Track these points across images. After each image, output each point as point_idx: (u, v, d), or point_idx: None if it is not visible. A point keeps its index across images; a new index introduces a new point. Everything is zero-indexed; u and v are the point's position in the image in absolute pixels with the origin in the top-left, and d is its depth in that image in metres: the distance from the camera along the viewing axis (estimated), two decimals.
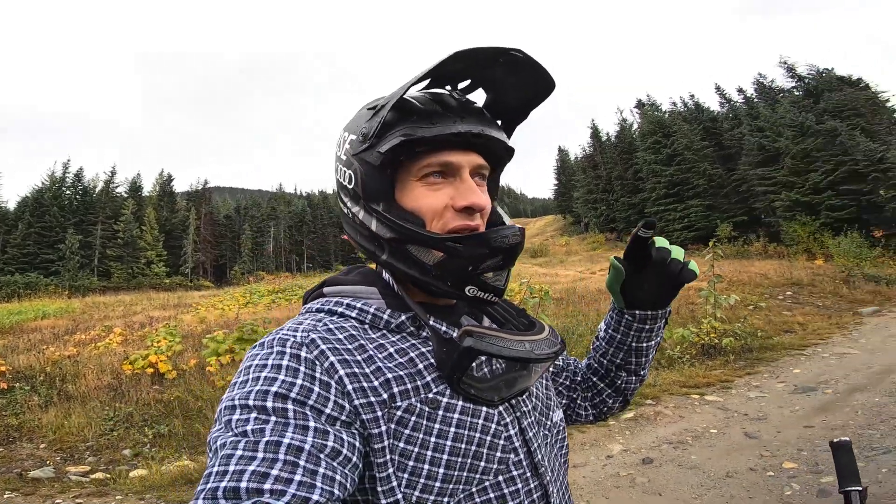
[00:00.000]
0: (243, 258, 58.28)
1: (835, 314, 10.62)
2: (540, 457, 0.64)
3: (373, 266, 0.73)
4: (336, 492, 0.46)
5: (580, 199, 47.43)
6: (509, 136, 0.69)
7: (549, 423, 0.70)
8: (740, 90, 39.45)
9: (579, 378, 0.92)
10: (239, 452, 0.45)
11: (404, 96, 0.62)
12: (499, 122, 0.68)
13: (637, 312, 0.79)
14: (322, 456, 0.47)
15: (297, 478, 0.44)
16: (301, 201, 77.88)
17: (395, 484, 0.53)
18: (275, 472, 0.44)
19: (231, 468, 0.44)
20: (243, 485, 0.43)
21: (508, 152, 0.67)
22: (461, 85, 0.66)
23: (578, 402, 0.90)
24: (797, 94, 34.14)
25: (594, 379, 0.90)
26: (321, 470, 0.46)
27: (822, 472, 3.25)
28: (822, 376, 5.77)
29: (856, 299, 12.38)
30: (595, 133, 47.05)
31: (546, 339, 0.60)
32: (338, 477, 0.47)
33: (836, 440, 1.06)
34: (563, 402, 0.89)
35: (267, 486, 0.43)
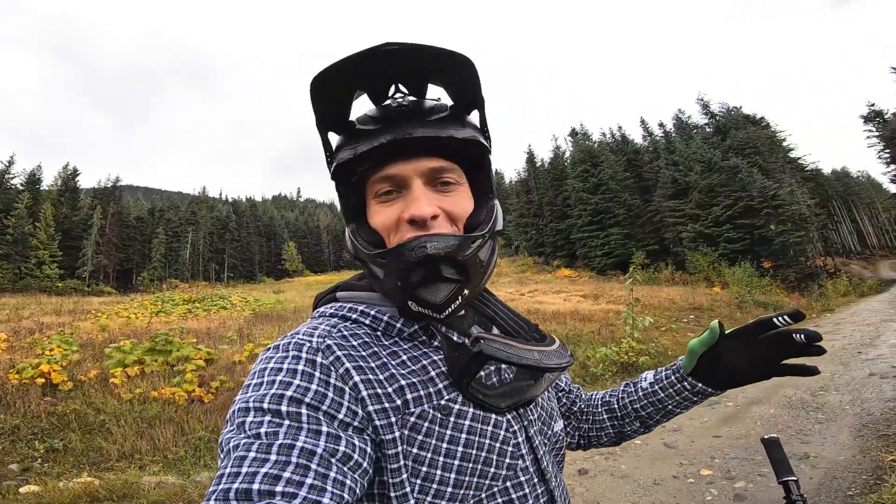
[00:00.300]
0: (153, 264, 53.69)
1: None
2: (546, 464, 0.66)
3: None
4: (346, 496, 0.46)
5: (512, 223, 49.14)
6: (483, 127, 0.66)
7: (550, 432, 0.71)
8: (661, 125, 43.53)
9: (576, 408, 0.92)
10: (252, 454, 0.45)
11: (352, 119, 0.64)
12: (473, 116, 0.66)
13: (699, 386, 0.78)
14: (333, 460, 0.47)
15: (309, 481, 0.44)
16: (226, 207, 73.64)
17: (408, 489, 0.54)
18: (286, 474, 0.44)
19: (244, 470, 0.44)
20: (255, 486, 0.43)
21: (475, 146, 0.63)
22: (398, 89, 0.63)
23: (567, 429, 0.90)
24: (708, 130, 38.17)
25: (603, 416, 0.89)
26: (332, 474, 0.46)
27: (735, 477, 3.54)
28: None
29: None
30: (531, 158, 49.31)
31: (556, 352, 0.62)
32: (348, 481, 0.47)
33: (766, 437, 1.17)
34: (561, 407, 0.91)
35: (279, 488, 0.43)
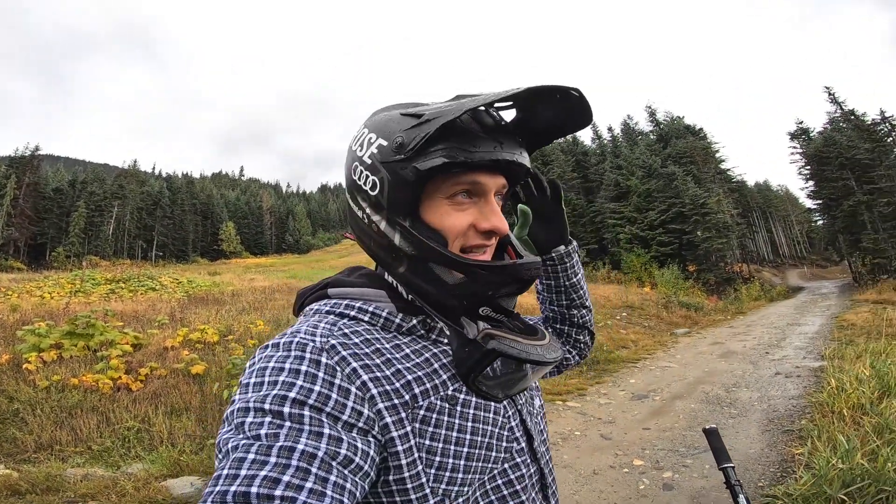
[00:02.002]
0: (71, 239, 49.21)
1: (657, 333, 12.61)
2: (537, 443, 0.71)
3: (375, 268, 0.73)
4: (346, 500, 0.46)
5: None
6: (530, 156, 0.70)
7: (534, 410, 0.76)
8: (610, 129, 45.40)
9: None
10: (251, 456, 0.45)
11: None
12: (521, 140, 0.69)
13: (553, 254, 0.90)
14: (334, 464, 0.47)
15: (308, 485, 0.44)
16: (159, 182, 68.84)
17: (423, 480, 0.55)
18: (286, 478, 0.44)
19: (242, 472, 0.44)
20: (254, 490, 0.42)
21: (527, 174, 0.69)
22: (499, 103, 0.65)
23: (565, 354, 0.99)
24: (652, 137, 40.25)
25: (557, 326, 0.98)
26: (332, 478, 0.46)
27: (663, 468, 3.82)
28: (651, 385, 6.80)
29: (672, 322, 14.88)
30: None
31: (549, 345, 0.65)
32: (348, 485, 0.47)
33: (706, 427, 1.31)
34: None
35: (278, 492, 0.42)
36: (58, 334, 6.54)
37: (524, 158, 0.64)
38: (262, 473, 0.43)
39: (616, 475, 3.74)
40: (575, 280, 0.92)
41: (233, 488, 0.42)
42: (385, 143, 0.60)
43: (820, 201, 34.62)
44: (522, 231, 0.86)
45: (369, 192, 0.62)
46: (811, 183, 35.15)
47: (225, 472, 0.44)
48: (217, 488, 0.43)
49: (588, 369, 8.04)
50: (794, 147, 37.00)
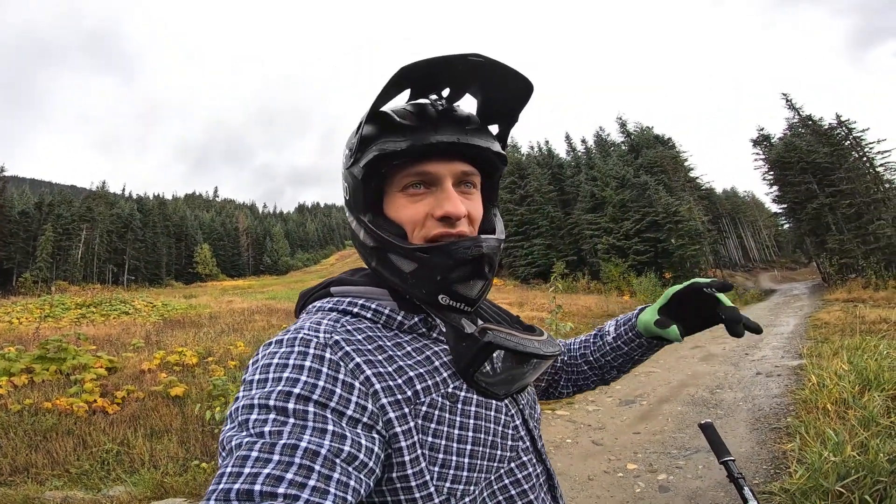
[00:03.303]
0: (38, 264, 47.46)
1: None
2: (540, 444, 0.71)
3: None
4: (349, 497, 0.46)
5: None
6: (503, 141, 0.71)
7: (536, 414, 0.76)
8: (583, 141, 46.36)
9: (567, 359, 1.01)
10: (255, 454, 0.45)
11: (384, 110, 0.65)
12: (491, 128, 0.70)
13: (655, 340, 0.89)
14: (338, 461, 0.47)
15: (312, 483, 0.44)
16: (129, 204, 67.14)
17: (427, 478, 0.55)
18: (289, 476, 0.43)
19: (246, 470, 0.43)
20: (257, 488, 0.42)
21: (500, 158, 0.68)
22: (445, 93, 0.66)
23: (562, 381, 1.00)
24: (624, 148, 41.24)
25: (584, 367, 0.98)
26: (335, 475, 0.46)
27: (657, 470, 3.83)
28: (637, 391, 6.85)
29: None
30: None
31: (547, 341, 0.66)
32: (352, 482, 0.47)
33: (702, 422, 1.29)
34: (546, 379, 0.99)
35: (281, 489, 0.42)
36: (28, 359, 6.29)
37: (475, 140, 0.63)
38: (266, 471, 0.43)
39: (611, 480, 3.73)
40: (643, 359, 0.94)
41: (236, 486, 0.42)
42: (347, 151, 0.68)
43: (785, 205, 35.50)
44: (653, 314, 0.86)
45: (345, 197, 0.69)
46: (775, 188, 36.06)
47: (228, 469, 0.44)
48: (220, 486, 0.43)
49: None
50: (758, 153, 38.12)
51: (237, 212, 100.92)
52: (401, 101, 0.66)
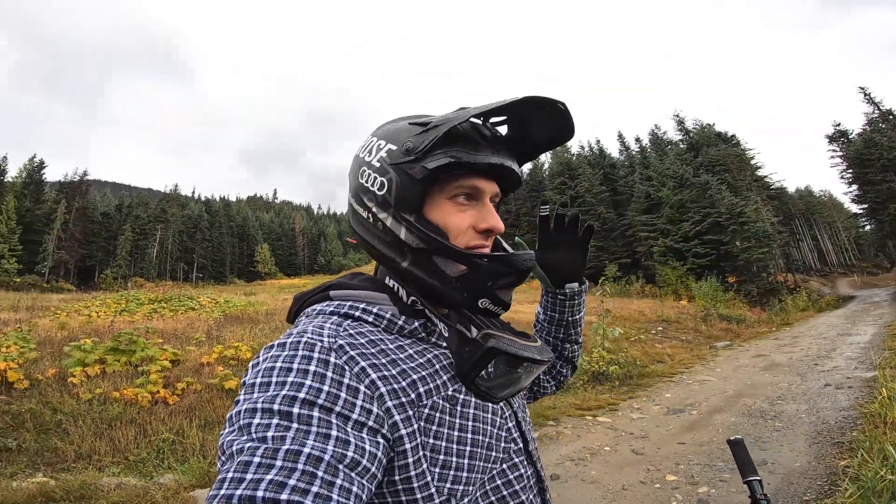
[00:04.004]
0: (118, 261, 51.81)
1: (695, 347, 12.14)
2: (532, 447, 0.73)
3: (374, 273, 0.77)
4: (351, 503, 0.46)
5: None
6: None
7: (527, 417, 0.78)
8: (637, 139, 44.58)
9: None
10: (257, 459, 0.45)
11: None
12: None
13: (567, 290, 0.95)
14: (341, 467, 0.47)
15: (315, 489, 0.44)
16: (198, 205, 71.79)
17: (429, 478, 0.56)
18: (292, 482, 0.43)
19: (248, 476, 0.43)
20: (259, 494, 0.42)
21: (519, 184, 0.73)
22: (493, 119, 0.71)
23: (542, 378, 1.03)
24: (682, 147, 39.25)
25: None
26: (338, 481, 0.46)
27: (698, 483, 3.65)
28: (687, 400, 6.52)
29: (712, 335, 14.30)
30: None
31: (543, 347, 0.68)
32: (354, 488, 0.47)
33: (731, 438, 1.23)
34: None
35: (283, 496, 0.42)
36: (102, 350, 6.85)
37: (516, 167, 0.70)
38: (268, 477, 0.43)
39: (647, 490, 3.58)
40: (577, 317, 0.98)
41: (238, 492, 0.42)
42: (394, 147, 0.66)
43: (865, 205, 33.27)
44: (535, 267, 0.92)
45: (377, 192, 0.67)
46: (854, 187, 33.87)
47: (230, 475, 0.44)
48: (222, 492, 0.43)
49: (620, 384, 7.80)
50: (834, 150, 35.82)
51: (294, 213, 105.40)
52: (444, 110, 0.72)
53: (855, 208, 36.72)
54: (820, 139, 38.78)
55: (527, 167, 49.79)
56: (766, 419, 5.25)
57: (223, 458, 0.48)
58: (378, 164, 0.67)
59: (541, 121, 0.69)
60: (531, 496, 0.68)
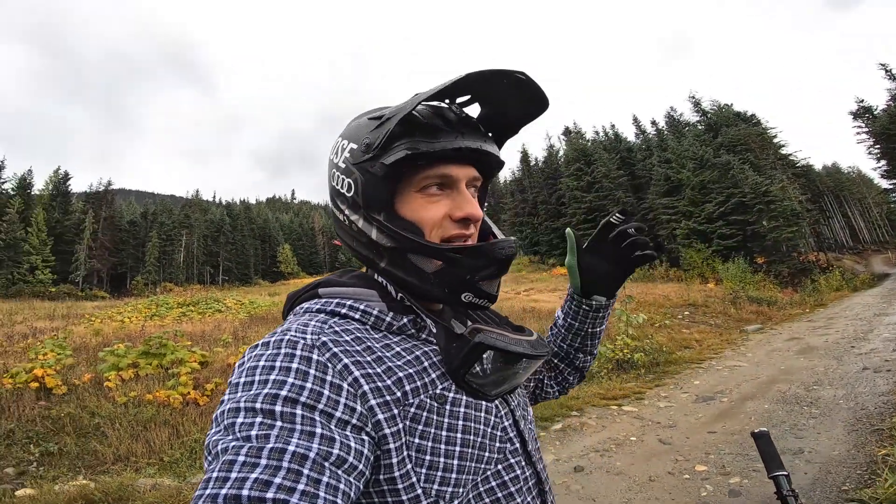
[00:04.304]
0: (147, 268, 53.35)
1: (724, 331, 11.83)
2: (531, 446, 0.70)
3: (364, 269, 0.75)
4: (339, 501, 0.46)
5: (507, 222, 49.03)
6: (500, 149, 0.72)
7: (529, 416, 0.76)
8: (653, 122, 43.65)
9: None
10: (241, 458, 0.44)
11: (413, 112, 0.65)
12: (490, 135, 0.71)
13: (594, 302, 0.88)
14: (327, 464, 0.46)
15: (301, 487, 0.43)
16: (219, 210, 73.20)
17: (414, 479, 0.55)
18: (277, 480, 0.43)
19: (233, 475, 0.43)
20: (245, 493, 0.41)
21: (499, 165, 0.70)
22: (460, 99, 0.68)
23: (545, 382, 0.99)
24: (700, 128, 38.31)
25: (555, 361, 0.98)
26: (325, 479, 0.45)
27: (730, 473, 3.56)
28: (717, 387, 6.37)
29: (742, 318, 13.91)
30: (524, 158, 49.27)
31: (538, 341, 0.64)
32: (341, 486, 0.47)
33: (755, 431, 1.17)
34: (532, 384, 0.97)
35: (269, 494, 0.42)
36: (134, 354, 7.09)
37: (490, 147, 0.66)
38: (253, 476, 0.43)
39: (675, 482, 3.51)
40: (598, 330, 0.92)
41: (223, 491, 0.42)
42: (355, 146, 0.65)
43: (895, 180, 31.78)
44: (572, 258, 0.87)
45: (346, 194, 0.66)
46: (883, 162, 32.92)
47: (215, 474, 0.44)
48: (207, 491, 0.42)
49: (646, 372, 7.67)
50: (860, 126, 34.89)
51: (313, 212, 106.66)
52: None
53: (885, 183, 35.63)
54: (844, 116, 37.58)
55: (541, 154, 49.20)
56: (802, 406, 5.08)
57: (209, 458, 0.48)
58: (343, 166, 0.66)
59: (507, 95, 0.66)
60: (529, 498, 0.66)
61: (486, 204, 0.77)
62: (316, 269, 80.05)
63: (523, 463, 0.67)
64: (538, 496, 0.68)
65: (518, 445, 0.67)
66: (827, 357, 7.40)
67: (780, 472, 1.06)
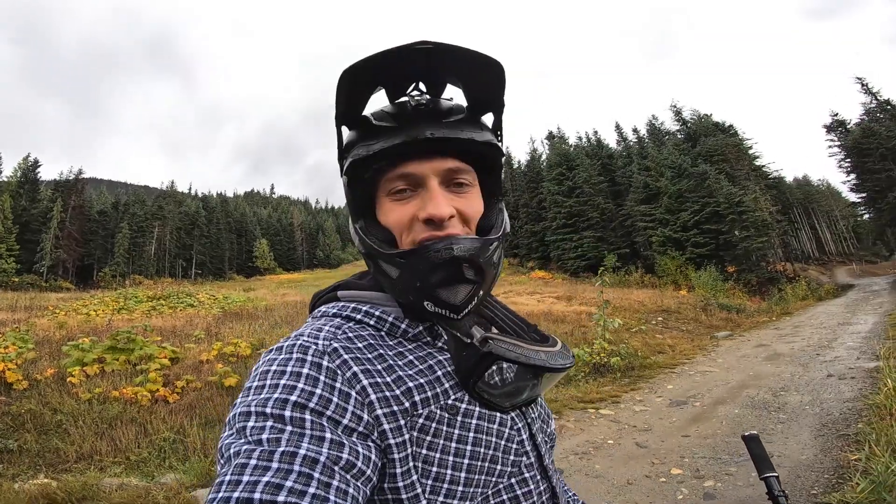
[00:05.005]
0: (116, 259, 51.69)
1: (696, 337, 12.14)
2: (547, 460, 0.68)
3: None
4: None
5: None
6: (497, 131, 0.66)
7: (549, 430, 0.74)
8: (635, 130, 44.80)
9: None
10: (253, 462, 0.44)
11: (364, 114, 0.62)
12: (487, 118, 0.66)
13: None
14: (337, 468, 0.46)
15: (312, 490, 0.43)
16: (195, 202, 71.51)
17: (419, 490, 0.53)
18: (289, 483, 0.43)
19: (245, 478, 0.43)
20: (256, 496, 0.41)
21: (492, 149, 0.63)
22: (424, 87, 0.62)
23: None
24: (680, 136, 39.40)
25: None
26: (335, 483, 0.45)
27: (704, 476, 3.62)
28: (690, 391, 6.51)
29: (712, 325, 14.31)
30: (507, 160, 49.64)
31: (560, 352, 0.59)
32: (351, 490, 0.46)
33: (746, 434, 1.16)
34: None
35: (281, 498, 0.42)
36: (100, 349, 6.83)
37: (452, 132, 0.59)
38: (265, 479, 0.43)
39: (652, 485, 3.56)
40: None
41: (235, 494, 0.42)
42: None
43: (864, 194, 33.62)
44: None
45: (347, 201, 0.66)
46: (853, 176, 34.12)
47: (227, 477, 0.44)
48: (220, 495, 0.42)
49: (622, 376, 7.78)
50: (832, 140, 36.44)
51: (292, 207, 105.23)
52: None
53: (853, 197, 37.00)
54: (817, 129, 39.25)
55: (524, 157, 49.76)
56: (771, 411, 5.23)
57: (221, 462, 0.48)
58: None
59: (448, 72, 0.60)
60: None
61: (501, 196, 0.69)
62: (293, 265, 78.95)
63: (538, 477, 0.65)
64: None
65: (534, 459, 0.65)
66: (793, 364, 7.64)
67: (771, 474, 1.06)
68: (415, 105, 0.61)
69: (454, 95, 0.65)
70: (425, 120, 0.59)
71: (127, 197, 64.85)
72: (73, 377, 5.71)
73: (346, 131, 0.64)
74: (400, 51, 0.54)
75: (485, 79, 0.60)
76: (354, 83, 0.57)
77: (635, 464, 4.01)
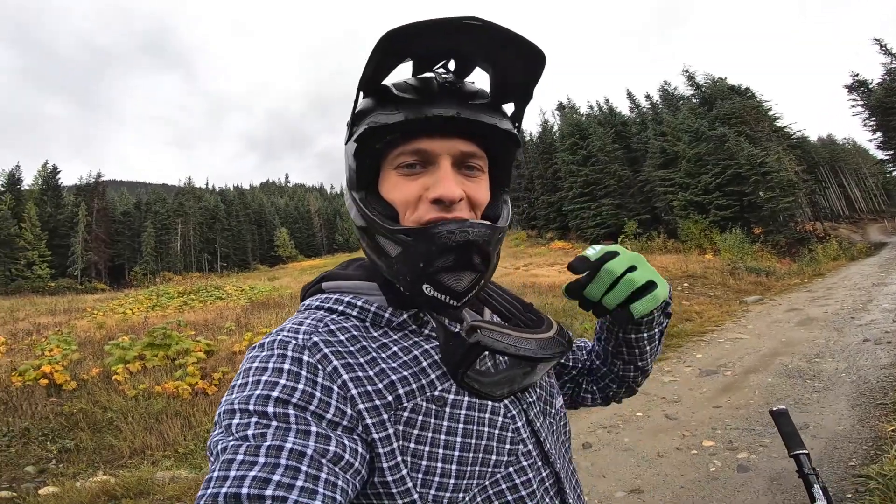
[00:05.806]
0: (145, 258, 53.22)
1: (724, 303, 11.88)
2: (549, 445, 0.65)
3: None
4: (338, 497, 0.46)
5: None
6: (518, 120, 0.65)
7: (552, 410, 0.70)
8: (648, 96, 43.46)
9: (587, 361, 0.91)
10: (240, 457, 0.45)
11: (385, 83, 0.60)
12: (507, 108, 0.64)
13: (623, 327, 0.77)
14: (324, 461, 0.47)
15: (300, 483, 0.44)
16: (213, 196, 72.65)
17: (410, 485, 0.53)
18: (276, 477, 0.43)
19: (232, 474, 0.43)
20: (244, 491, 0.42)
21: (510, 138, 0.61)
22: (452, 65, 0.60)
23: (584, 385, 0.90)
24: (695, 101, 38.18)
25: (597, 362, 0.88)
26: (323, 475, 0.45)
27: (737, 448, 3.61)
28: (720, 360, 6.44)
29: (741, 289, 13.99)
30: (519, 132, 48.74)
31: (553, 339, 0.57)
32: (340, 482, 0.47)
33: (774, 409, 1.15)
34: (570, 385, 0.90)
35: (269, 492, 0.42)
36: (140, 346, 7.12)
37: (477, 115, 0.57)
38: (252, 474, 0.43)
39: (683, 457, 3.56)
40: (631, 337, 0.77)
41: (223, 490, 0.42)
42: (347, 128, 0.65)
43: (891, 151, 32.76)
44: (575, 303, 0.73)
45: (346, 173, 0.65)
46: (879, 134, 33.60)
47: (215, 473, 0.44)
48: (208, 491, 0.43)
49: None
50: (855, 99, 35.82)
51: (308, 195, 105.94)
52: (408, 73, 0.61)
53: (881, 154, 36.30)
54: (838, 91, 38.22)
55: (535, 129, 48.90)
56: (805, 379, 5.14)
57: (211, 459, 0.48)
58: (345, 146, 0.65)
59: (489, 53, 0.57)
60: (547, 498, 0.62)
61: (508, 186, 0.69)
62: (314, 251, 79.92)
63: (538, 464, 0.62)
64: (556, 496, 0.64)
65: (532, 446, 0.63)
66: (827, 328, 7.47)
67: (801, 451, 1.04)
68: (441, 82, 0.59)
69: (475, 80, 0.63)
70: (451, 98, 0.58)
71: (148, 196, 66.24)
72: (117, 375, 5.99)
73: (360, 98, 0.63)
74: (450, 22, 0.51)
75: (523, 66, 0.58)
76: (389, 49, 0.54)
77: (665, 436, 4.02)
